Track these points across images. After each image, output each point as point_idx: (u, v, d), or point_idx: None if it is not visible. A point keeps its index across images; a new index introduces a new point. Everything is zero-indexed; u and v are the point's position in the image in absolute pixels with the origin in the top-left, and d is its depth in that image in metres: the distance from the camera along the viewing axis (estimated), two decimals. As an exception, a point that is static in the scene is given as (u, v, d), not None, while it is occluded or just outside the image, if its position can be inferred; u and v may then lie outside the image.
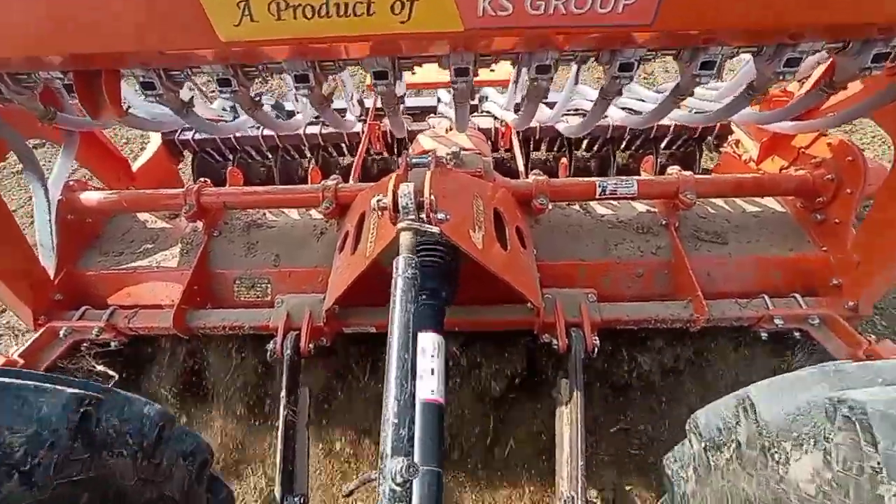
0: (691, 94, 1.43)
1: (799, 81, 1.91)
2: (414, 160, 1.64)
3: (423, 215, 1.16)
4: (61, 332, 1.88)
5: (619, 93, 1.45)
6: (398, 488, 0.76)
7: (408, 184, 1.15)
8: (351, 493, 1.11)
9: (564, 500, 1.49)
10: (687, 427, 1.22)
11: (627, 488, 2.01)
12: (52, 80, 1.28)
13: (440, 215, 1.20)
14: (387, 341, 0.98)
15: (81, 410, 0.97)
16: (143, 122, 1.62)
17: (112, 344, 1.98)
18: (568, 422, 1.66)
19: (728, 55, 1.23)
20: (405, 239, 1.12)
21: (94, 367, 2.01)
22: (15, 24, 1.06)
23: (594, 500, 1.48)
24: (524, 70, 1.28)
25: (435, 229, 1.13)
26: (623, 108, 2.39)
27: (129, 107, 1.46)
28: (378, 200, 1.19)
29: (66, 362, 1.98)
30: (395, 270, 1.07)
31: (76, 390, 0.99)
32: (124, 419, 1.10)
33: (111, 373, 1.95)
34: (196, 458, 1.29)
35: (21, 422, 0.91)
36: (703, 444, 1.12)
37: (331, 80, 1.43)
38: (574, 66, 1.61)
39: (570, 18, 1.02)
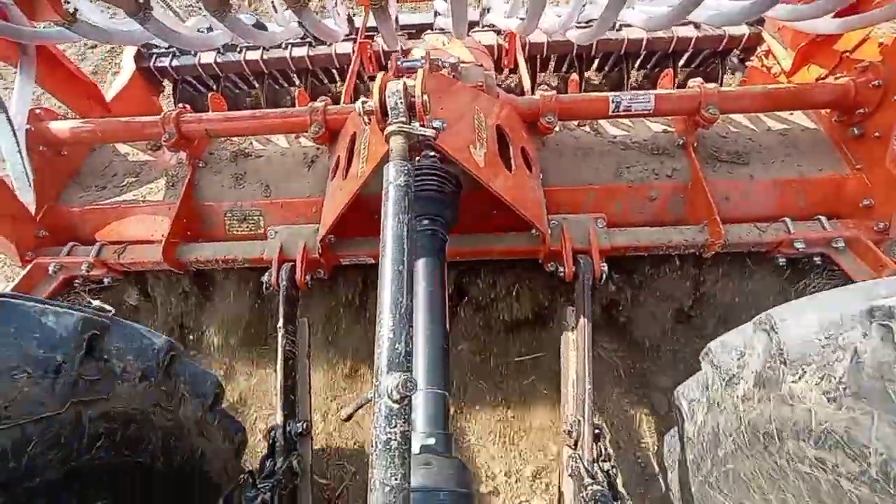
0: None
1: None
2: (405, 63, 1.46)
3: (416, 120, 1.02)
4: (50, 269, 1.82)
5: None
6: (395, 405, 0.70)
7: (396, 81, 1.00)
8: (350, 416, 1.06)
9: (570, 424, 1.48)
10: (701, 357, 1.17)
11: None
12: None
13: (436, 123, 1.06)
14: (379, 253, 0.88)
15: (90, 334, 0.99)
16: (98, 31, 1.43)
17: (105, 280, 1.93)
18: (574, 348, 1.62)
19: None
20: (396, 143, 0.99)
21: (89, 302, 1.97)
22: None
23: (600, 424, 1.45)
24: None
25: (429, 132, 1.00)
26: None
27: (75, 10, 1.27)
28: (363, 103, 1.05)
29: (62, 299, 1.95)
30: (385, 179, 0.96)
31: (86, 314, 1.02)
32: (132, 347, 1.11)
33: (107, 307, 1.91)
34: (206, 389, 1.31)
35: (36, 340, 0.92)
36: (718, 373, 1.07)
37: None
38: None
39: None
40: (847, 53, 1.77)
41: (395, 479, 0.65)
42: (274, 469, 1.36)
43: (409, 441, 0.70)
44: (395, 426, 0.69)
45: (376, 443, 0.69)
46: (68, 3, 1.22)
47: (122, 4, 1.22)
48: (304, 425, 1.51)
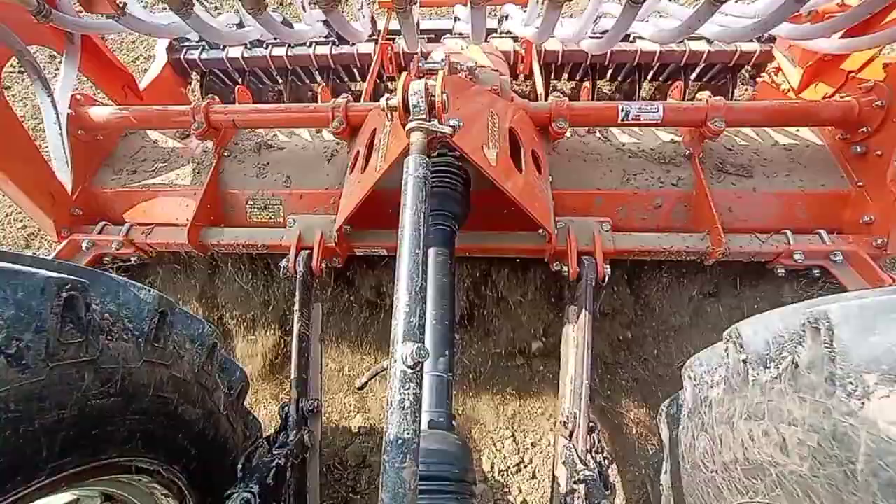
0: (732, -2, 1.29)
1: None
2: (426, 65, 1.55)
3: (435, 118, 1.10)
4: (84, 245, 1.93)
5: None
6: (409, 370, 0.78)
7: (418, 81, 1.09)
8: (364, 385, 1.15)
9: (566, 416, 1.55)
10: (726, 336, 1.14)
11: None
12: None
13: (452, 121, 1.14)
14: (397, 238, 0.97)
15: (64, 295, 0.94)
16: (142, 24, 1.54)
17: (132, 259, 2.04)
18: (575, 345, 1.69)
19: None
20: (416, 139, 1.07)
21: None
22: None
23: (594, 418, 1.52)
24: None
25: (447, 129, 1.08)
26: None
27: (125, 3, 1.38)
28: (387, 100, 1.14)
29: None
30: (405, 170, 1.04)
31: (53, 274, 0.96)
32: (119, 304, 1.09)
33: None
34: (203, 341, 1.31)
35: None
36: (744, 356, 1.04)
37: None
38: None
39: None
40: (853, 73, 1.83)
41: (408, 434, 0.74)
42: (287, 440, 1.45)
43: (420, 401, 0.79)
44: (409, 388, 0.77)
45: (391, 402, 0.77)
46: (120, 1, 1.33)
47: (169, 2, 1.32)
48: (315, 403, 1.60)
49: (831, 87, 1.97)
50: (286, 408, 1.55)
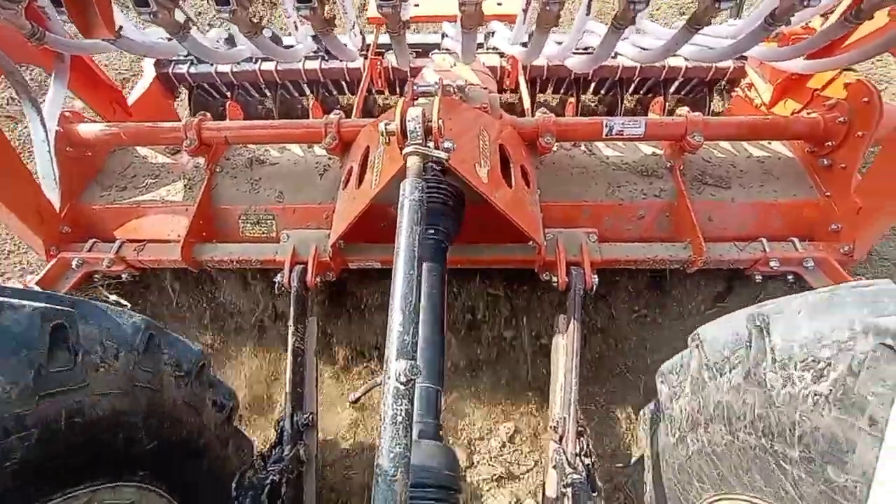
0: (708, 24, 1.37)
1: (822, 16, 1.82)
2: (421, 87, 1.60)
3: (431, 141, 1.15)
4: (73, 263, 1.92)
5: (633, 21, 1.39)
6: (402, 387, 0.82)
7: (416, 107, 1.13)
8: (357, 399, 1.18)
9: (556, 421, 1.60)
10: (691, 339, 1.22)
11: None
12: (41, -6, 1.23)
13: (446, 144, 1.19)
14: (393, 256, 1.01)
15: (51, 325, 0.95)
16: (136, 45, 1.56)
17: (123, 276, 2.03)
18: (565, 353, 1.74)
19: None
20: (412, 163, 1.12)
21: (107, 297, 2.06)
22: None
23: (583, 423, 1.58)
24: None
25: (442, 155, 1.13)
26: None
27: (121, 27, 1.39)
28: (386, 125, 1.18)
29: (81, 294, 2.04)
30: (401, 193, 1.08)
31: (39, 305, 0.95)
32: (105, 329, 1.08)
33: (123, 302, 2.01)
34: (191, 362, 1.32)
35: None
36: (706, 358, 1.12)
37: (332, 4, 1.37)
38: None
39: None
40: (818, 91, 1.95)
41: (399, 448, 0.78)
42: (282, 455, 1.46)
43: (412, 417, 0.83)
44: (401, 404, 0.81)
45: (384, 417, 0.81)
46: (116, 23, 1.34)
47: (166, 26, 1.35)
48: (310, 417, 1.62)
49: (799, 103, 2.09)
50: (281, 422, 1.56)
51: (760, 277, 1.97)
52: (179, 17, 1.42)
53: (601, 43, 1.64)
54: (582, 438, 1.55)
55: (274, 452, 1.50)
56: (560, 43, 2.25)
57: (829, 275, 1.84)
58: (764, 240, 1.91)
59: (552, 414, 1.66)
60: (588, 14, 1.82)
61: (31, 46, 1.60)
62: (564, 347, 1.75)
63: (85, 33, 1.23)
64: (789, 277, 1.95)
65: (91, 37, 1.26)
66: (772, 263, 1.86)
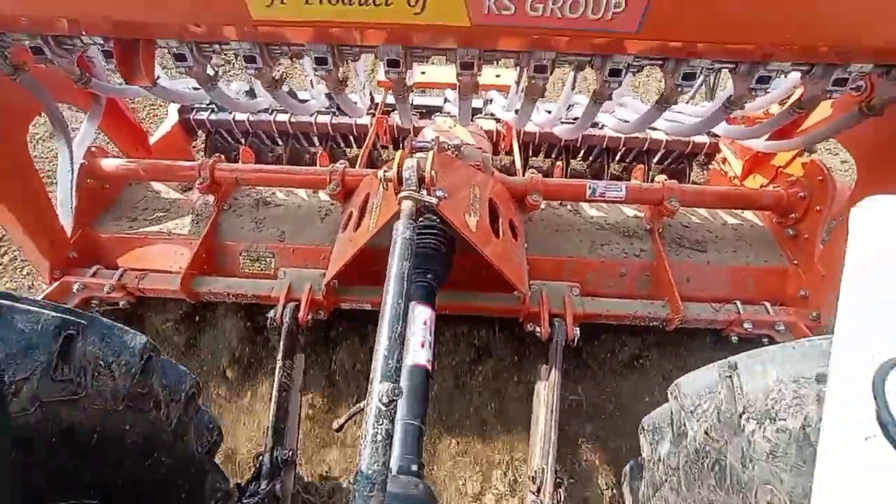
0: (675, 103, 1.56)
1: (780, 103, 2.05)
2: (418, 143, 1.77)
3: (424, 189, 1.28)
4: (75, 287, 1.98)
5: (609, 97, 1.58)
6: (384, 408, 0.88)
7: (412, 158, 1.28)
8: (342, 426, 1.21)
9: (535, 471, 1.60)
10: (669, 392, 1.25)
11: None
12: (92, 46, 1.41)
13: (438, 192, 1.32)
14: (383, 291, 1.09)
15: (63, 335, 0.99)
16: (168, 92, 1.74)
17: (120, 303, 2.08)
18: (545, 403, 1.77)
19: (708, 68, 1.37)
20: (406, 206, 1.24)
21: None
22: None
23: (561, 474, 1.58)
24: (524, 70, 1.41)
25: (433, 199, 1.26)
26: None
27: (158, 77, 1.58)
28: (385, 172, 1.32)
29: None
30: (394, 231, 1.19)
31: (61, 315, 1.01)
32: (107, 346, 1.11)
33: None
34: (183, 390, 1.34)
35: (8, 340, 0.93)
36: (683, 409, 1.16)
37: (346, 66, 1.56)
38: (570, 74, 1.75)
39: (565, 21, 1.16)
40: (781, 168, 2.14)
41: (377, 465, 0.83)
42: (258, 490, 1.45)
43: (391, 437, 0.87)
44: (382, 423, 0.86)
45: (365, 436, 0.86)
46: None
47: (198, 77, 1.53)
48: (290, 454, 1.61)
49: (765, 178, 2.28)
50: (261, 457, 1.56)
51: (737, 339, 2.05)
52: (209, 70, 1.61)
53: (583, 114, 1.83)
54: (559, 490, 1.54)
55: (250, 487, 1.48)
56: (550, 111, 2.49)
57: (799, 338, 1.91)
58: (738, 302, 2.01)
59: (531, 464, 1.66)
60: (573, 89, 2.05)
61: (73, 88, 1.79)
62: (545, 398, 1.78)
63: (129, 81, 1.40)
64: (764, 340, 2.03)
65: (133, 84, 1.43)
66: (745, 325, 1.95)
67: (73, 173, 1.92)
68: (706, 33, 1.19)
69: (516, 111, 2.42)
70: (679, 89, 1.43)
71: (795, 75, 1.46)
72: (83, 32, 1.36)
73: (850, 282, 0.76)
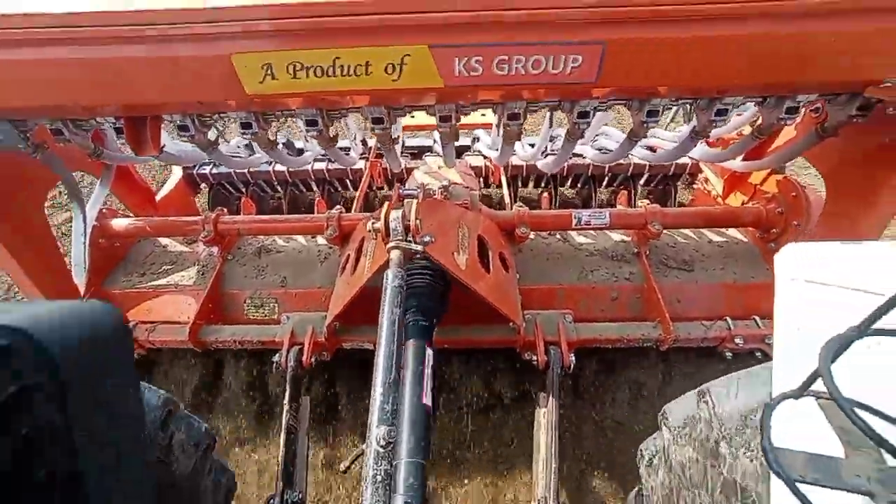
0: (645, 136, 1.67)
1: (751, 124, 2.16)
2: (405, 191, 1.88)
3: (410, 237, 1.38)
4: (86, 344, 2.06)
5: (582, 135, 1.69)
6: (382, 449, 0.94)
7: (397, 210, 1.38)
8: (348, 468, 1.26)
9: (538, 501, 1.62)
10: (659, 418, 1.29)
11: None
12: (105, 125, 1.55)
13: (425, 238, 1.41)
14: (377, 335, 1.17)
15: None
16: (173, 157, 1.88)
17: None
18: (545, 431, 1.81)
19: (669, 105, 1.48)
20: (394, 256, 1.33)
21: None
22: (80, 80, 1.31)
23: (565, 502, 1.60)
24: (500, 117, 1.53)
25: (419, 248, 1.35)
26: (599, 149, 2.65)
27: (164, 145, 1.71)
28: (373, 223, 1.42)
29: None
30: (384, 281, 1.28)
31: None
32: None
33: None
34: (200, 443, 1.39)
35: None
36: (672, 436, 1.19)
37: (335, 125, 1.69)
38: (547, 113, 1.88)
39: (528, 77, 1.27)
40: (758, 186, 2.23)
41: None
42: (270, 534, 1.48)
43: (391, 477, 0.93)
44: (381, 465, 0.92)
45: (366, 477, 0.92)
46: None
47: (200, 144, 1.66)
48: (300, 496, 1.65)
49: (745, 195, 2.37)
50: (271, 500, 1.60)
51: (730, 355, 2.08)
52: (210, 135, 1.75)
53: (561, 149, 1.95)
54: (565, 518, 1.56)
55: (261, 532, 1.51)
56: (533, 145, 2.61)
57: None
58: (728, 318, 2.06)
59: (535, 492, 1.68)
60: (550, 127, 2.17)
61: (86, 159, 1.94)
62: (545, 425, 1.82)
63: (138, 153, 1.53)
64: (758, 354, 2.06)
65: (142, 155, 1.56)
66: (736, 340, 1.99)
67: (85, 236, 2.04)
68: (660, 78, 1.30)
69: (498, 148, 2.57)
70: (644, 125, 1.54)
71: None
72: (98, 115, 1.50)
73: (778, 321, 0.84)
